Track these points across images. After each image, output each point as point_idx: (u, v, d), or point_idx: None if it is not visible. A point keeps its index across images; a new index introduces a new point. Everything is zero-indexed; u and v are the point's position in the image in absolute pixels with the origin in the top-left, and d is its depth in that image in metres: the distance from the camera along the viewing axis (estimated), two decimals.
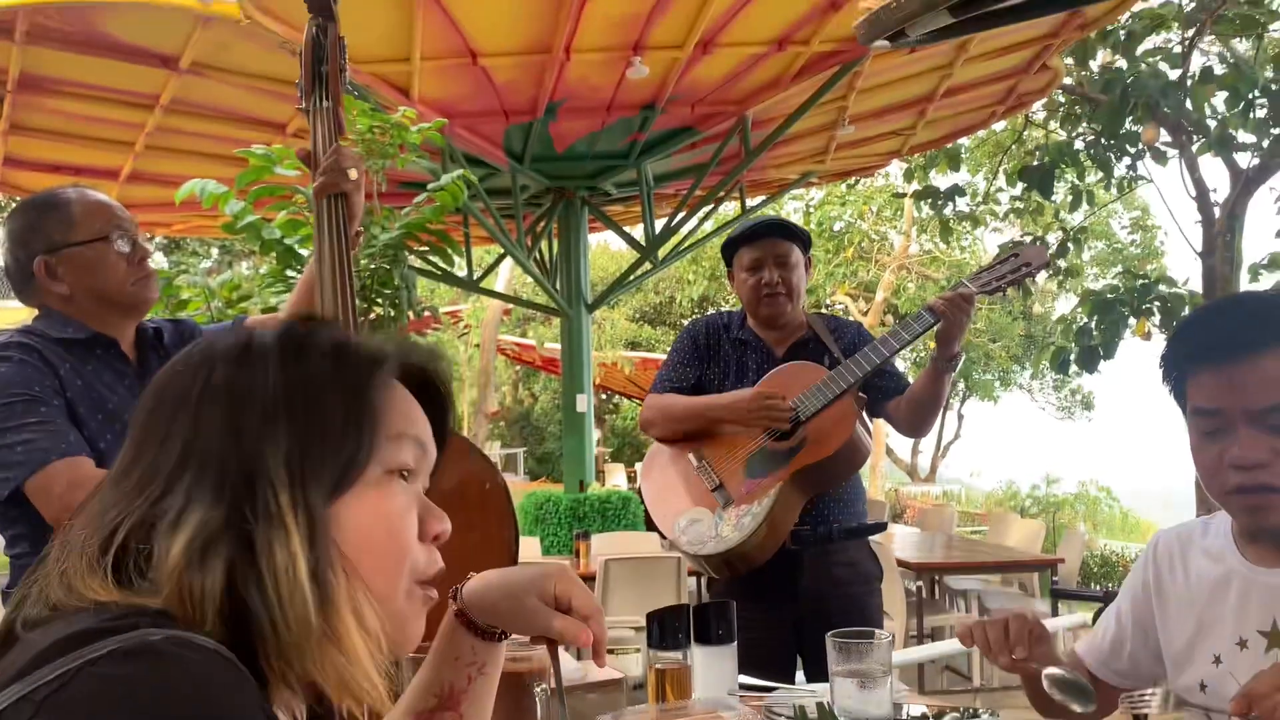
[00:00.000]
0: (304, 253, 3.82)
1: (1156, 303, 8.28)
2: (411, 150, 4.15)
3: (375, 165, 4.03)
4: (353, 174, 1.92)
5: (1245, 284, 8.70)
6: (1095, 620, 2.49)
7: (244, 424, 0.75)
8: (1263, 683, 1.02)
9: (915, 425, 2.75)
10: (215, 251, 16.24)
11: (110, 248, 1.88)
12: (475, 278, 9.16)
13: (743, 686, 1.77)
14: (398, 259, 3.87)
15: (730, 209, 10.57)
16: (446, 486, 2.12)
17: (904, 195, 13.20)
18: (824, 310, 11.87)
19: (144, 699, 0.56)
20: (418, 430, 0.84)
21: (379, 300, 3.93)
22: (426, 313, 4.42)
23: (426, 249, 4.05)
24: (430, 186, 3.88)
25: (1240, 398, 1.36)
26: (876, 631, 1.50)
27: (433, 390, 0.89)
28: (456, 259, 8.82)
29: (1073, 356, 8.48)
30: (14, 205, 1.97)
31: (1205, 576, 1.51)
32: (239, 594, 0.69)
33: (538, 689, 1.38)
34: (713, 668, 1.69)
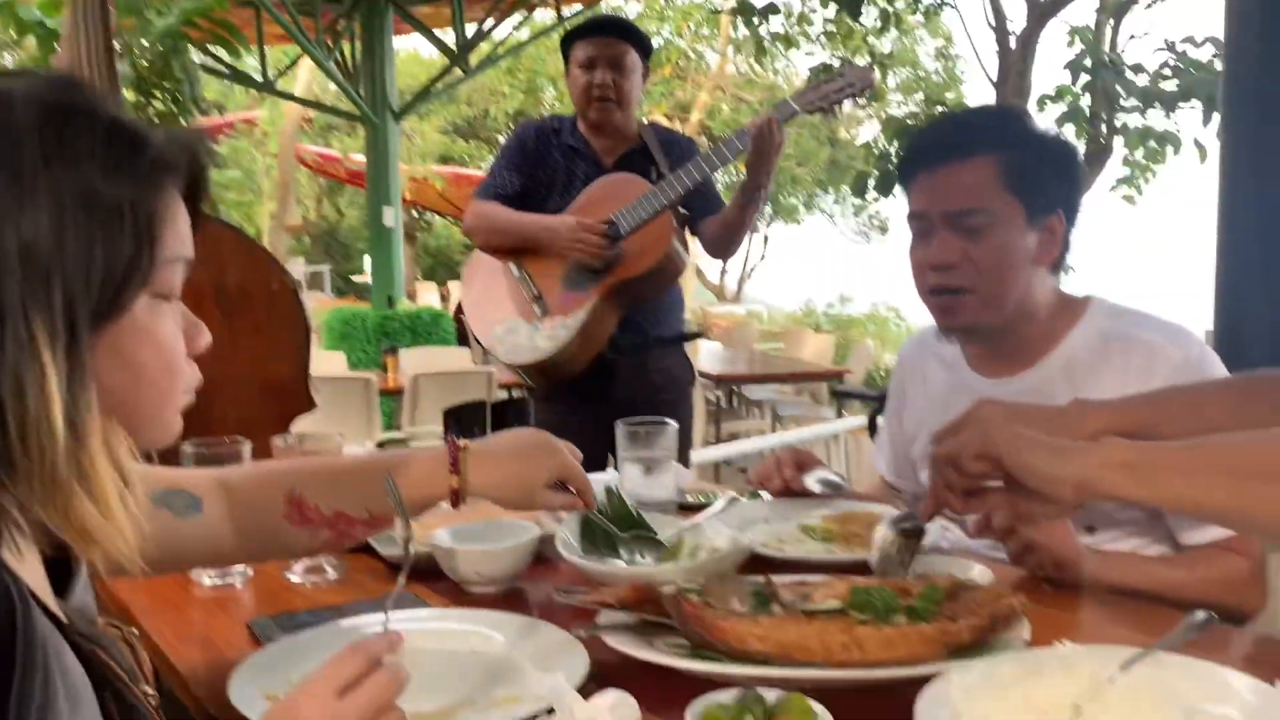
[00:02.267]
0: None
1: None
2: None
3: None
4: None
5: (1033, 114, 9.15)
6: (870, 422, 2.71)
7: None
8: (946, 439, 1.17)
9: (720, 248, 2.81)
10: None
11: None
12: (270, 79, 8.55)
13: None
14: (177, 49, 3.55)
15: (547, 18, 10.17)
16: (230, 286, 2.05)
17: (720, 11, 13.04)
18: None
19: None
20: (188, 249, 0.76)
21: (157, 94, 3.62)
22: (213, 111, 4.11)
23: (209, 39, 3.73)
24: None
25: (939, 200, 1.49)
26: (665, 420, 1.57)
27: (194, 185, 0.79)
28: (250, 60, 8.18)
29: (871, 181, 8.80)
30: None
31: (941, 383, 1.67)
32: None
33: None
34: None
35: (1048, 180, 1.51)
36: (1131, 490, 0.98)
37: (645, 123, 2.86)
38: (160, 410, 0.76)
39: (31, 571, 0.70)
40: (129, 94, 3.51)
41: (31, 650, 0.61)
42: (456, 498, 1.17)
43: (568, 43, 2.77)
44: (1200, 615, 1.06)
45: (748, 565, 1.31)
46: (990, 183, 1.47)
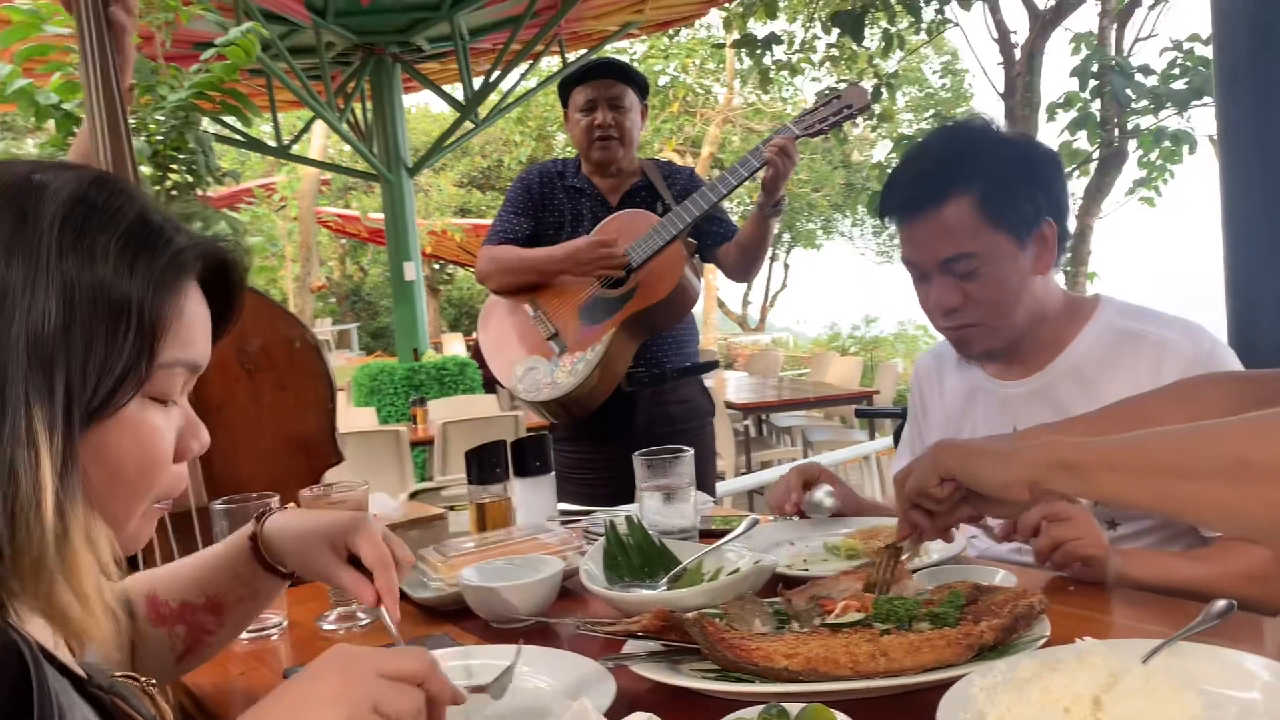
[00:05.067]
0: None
1: None
2: (197, 3, 3.86)
3: (157, 20, 3.74)
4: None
5: (1043, 123, 9.14)
6: (896, 438, 2.71)
7: (1, 319, 0.64)
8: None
9: (743, 269, 2.82)
10: None
11: None
12: (285, 144, 8.71)
13: (563, 512, 1.85)
14: (190, 121, 3.64)
15: (552, 64, 10.31)
16: (253, 348, 2.10)
17: (724, 45, 13.16)
18: None
19: None
20: (194, 354, 0.76)
21: (174, 167, 3.71)
22: (227, 178, 4.20)
23: (220, 109, 3.82)
24: (219, 41, 3.63)
25: (928, 250, 1.50)
26: (681, 448, 1.59)
27: (224, 281, 0.81)
28: (264, 126, 8.32)
29: None
30: None
31: (958, 390, 1.69)
32: None
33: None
34: (532, 498, 1.76)
35: (1026, 198, 1.49)
36: (1073, 488, 0.99)
37: (646, 159, 2.92)
38: (126, 510, 0.74)
39: (44, 627, 0.71)
40: (145, 169, 3.60)
41: (46, 707, 0.62)
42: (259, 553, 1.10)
43: (566, 89, 2.82)
44: (1220, 604, 1.05)
45: (775, 588, 1.32)
46: (971, 222, 1.46)
